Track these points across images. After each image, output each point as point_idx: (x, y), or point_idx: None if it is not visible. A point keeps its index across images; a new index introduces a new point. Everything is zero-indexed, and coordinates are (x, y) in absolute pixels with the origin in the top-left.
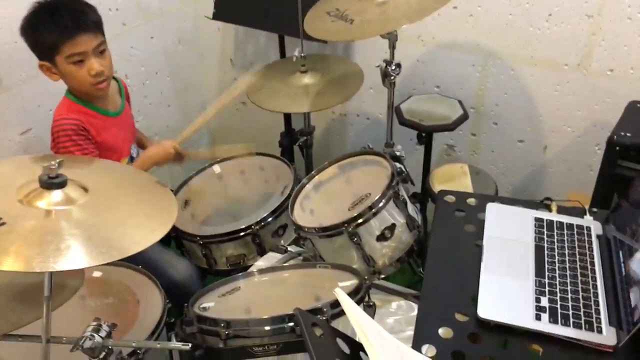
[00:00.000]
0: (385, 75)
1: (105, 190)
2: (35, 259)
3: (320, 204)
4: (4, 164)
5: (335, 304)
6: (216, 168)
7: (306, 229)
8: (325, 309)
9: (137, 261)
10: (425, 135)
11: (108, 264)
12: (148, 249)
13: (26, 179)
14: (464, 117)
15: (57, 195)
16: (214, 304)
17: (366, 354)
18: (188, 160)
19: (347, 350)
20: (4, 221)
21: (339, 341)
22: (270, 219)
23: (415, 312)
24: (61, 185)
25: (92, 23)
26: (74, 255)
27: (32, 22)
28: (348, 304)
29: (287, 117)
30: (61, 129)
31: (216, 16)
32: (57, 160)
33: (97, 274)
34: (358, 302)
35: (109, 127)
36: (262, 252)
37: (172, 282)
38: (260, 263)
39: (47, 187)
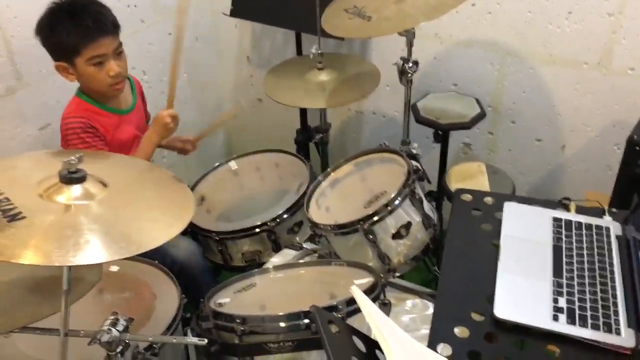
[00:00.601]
0: (402, 72)
1: (124, 185)
2: (55, 253)
3: (336, 201)
4: (24, 158)
5: (351, 301)
6: (232, 164)
7: (322, 226)
8: (340, 307)
9: None
10: (441, 133)
11: (125, 258)
12: None
13: (46, 173)
14: (481, 116)
15: (76, 190)
16: (229, 300)
17: (382, 352)
18: (194, 148)
19: (363, 348)
20: (24, 215)
21: (355, 339)
22: (285, 216)
23: (431, 311)
24: (81, 180)
25: (111, 24)
26: (93, 250)
27: (51, 23)
28: (364, 302)
29: (303, 114)
30: (69, 127)
31: (233, 13)
32: (77, 156)
33: (114, 268)
34: (374, 300)
35: (119, 125)
36: (277, 249)
37: (175, 261)
38: (275, 259)
39: (67, 182)
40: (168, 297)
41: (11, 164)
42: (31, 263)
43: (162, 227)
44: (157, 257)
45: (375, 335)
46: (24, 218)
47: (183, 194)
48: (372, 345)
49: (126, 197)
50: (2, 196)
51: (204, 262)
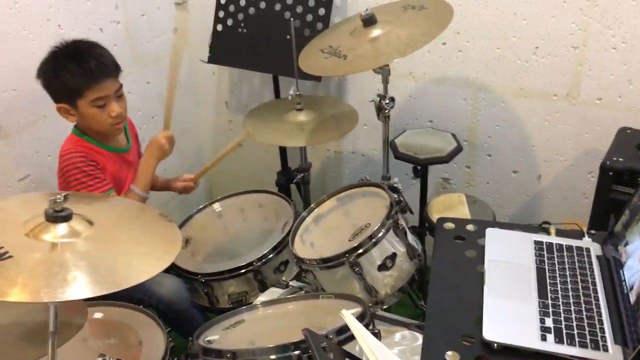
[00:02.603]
0: (379, 109)
1: (110, 223)
2: (43, 290)
3: (320, 236)
4: (10, 200)
5: (341, 330)
6: (216, 206)
7: (307, 261)
8: (331, 336)
9: None
10: (420, 168)
11: (109, 304)
12: None
13: (32, 214)
14: (458, 149)
15: (62, 228)
16: (218, 337)
17: None
18: (196, 185)
19: None
20: (10, 254)
21: None
22: (271, 255)
23: (420, 342)
24: (67, 218)
25: (113, 67)
26: (81, 285)
27: (55, 67)
28: (356, 326)
29: (283, 155)
30: (70, 162)
31: (211, 60)
32: (63, 194)
33: (98, 315)
34: None
35: (119, 164)
36: (264, 289)
37: (160, 300)
38: (262, 298)
39: (53, 221)
40: (154, 342)
41: None
42: (19, 300)
43: (150, 261)
44: (142, 296)
45: (369, 357)
46: (11, 257)
47: (169, 229)
48: None
49: (112, 234)
50: None
51: (190, 298)
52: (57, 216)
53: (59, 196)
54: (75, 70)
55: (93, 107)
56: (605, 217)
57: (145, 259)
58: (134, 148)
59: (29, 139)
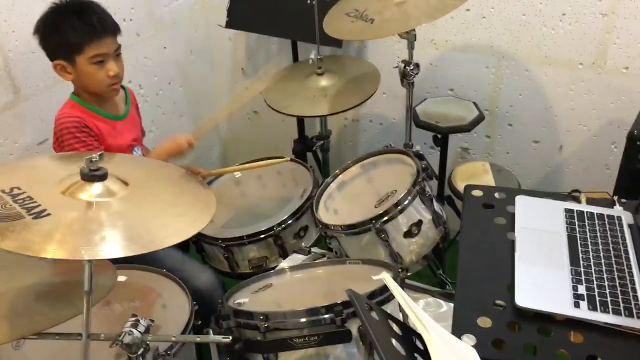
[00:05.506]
0: (404, 75)
1: (145, 184)
2: (82, 248)
3: (343, 204)
4: (44, 159)
5: (372, 295)
6: (235, 172)
7: (332, 227)
8: None
9: None
10: (441, 137)
11: (132, 267)
12: (170, 259)
13: (67, 173)
14: (480, 118)
15: (97, 187)
16: (248, 300)
17: (417, 338)
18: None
19: (399, 332)
20: (48, 212)
21: (391, 323)
22: (290, 221)
23: (444, 309)
24: (102, 177)
25: (114, 26)
26: (119, 244)
27: (55, 21)
28: (395, 287)
29: (300, 123)
30: (64, 127)
31: (229, 24)
32: (98, 153)
33: (121, 278)
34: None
35: (113, 131)
36: (284, 254)
37: (197, 293)
38: (285, 264)
39: (89, 180)
40: (179, 305)
41: (30, 164)
42: (57, 257)
43: (187, 221)
44: None
45: (411, 318)
46: (49, 215)
47: (203, 190)
48: (407, 331)
49: (147, 194)
50: (25, 194)
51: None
52: (93, 175)
53: (94, 155)
54: (77, 25)
55: (91, 65)
56: (631, 188)
57: (181, 219)
58: (132, 115)
59: (47, 103)
